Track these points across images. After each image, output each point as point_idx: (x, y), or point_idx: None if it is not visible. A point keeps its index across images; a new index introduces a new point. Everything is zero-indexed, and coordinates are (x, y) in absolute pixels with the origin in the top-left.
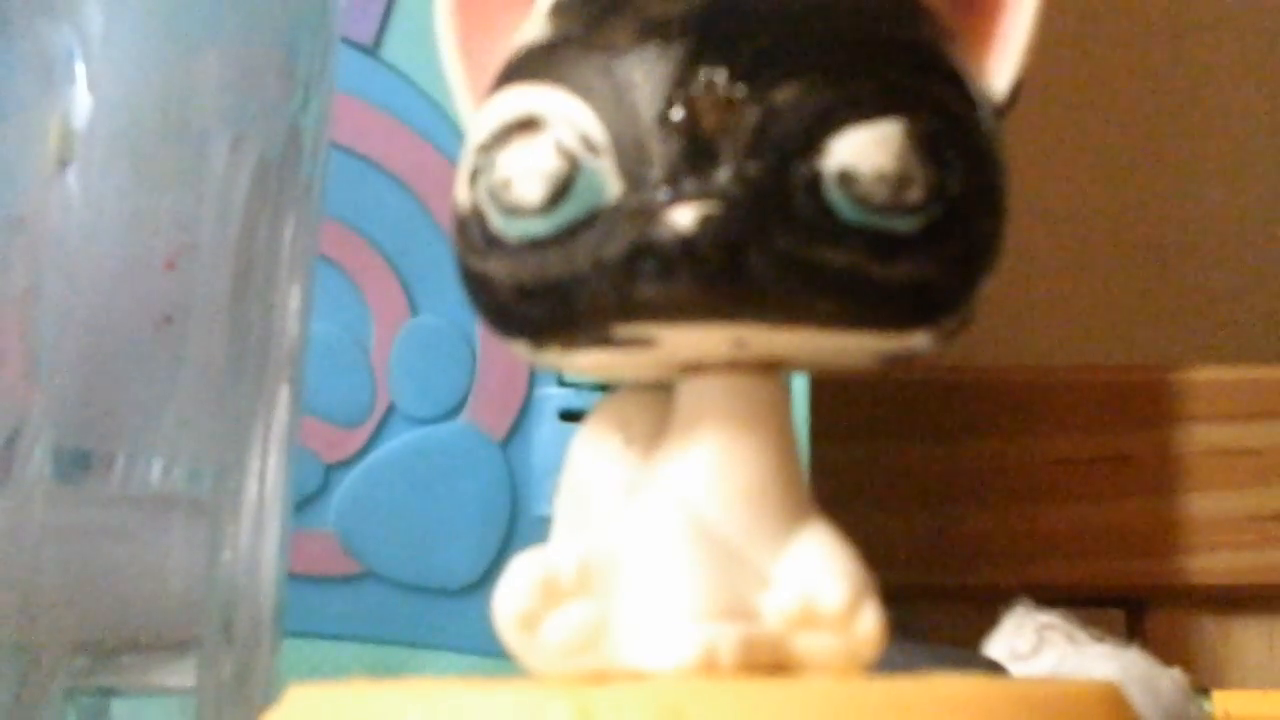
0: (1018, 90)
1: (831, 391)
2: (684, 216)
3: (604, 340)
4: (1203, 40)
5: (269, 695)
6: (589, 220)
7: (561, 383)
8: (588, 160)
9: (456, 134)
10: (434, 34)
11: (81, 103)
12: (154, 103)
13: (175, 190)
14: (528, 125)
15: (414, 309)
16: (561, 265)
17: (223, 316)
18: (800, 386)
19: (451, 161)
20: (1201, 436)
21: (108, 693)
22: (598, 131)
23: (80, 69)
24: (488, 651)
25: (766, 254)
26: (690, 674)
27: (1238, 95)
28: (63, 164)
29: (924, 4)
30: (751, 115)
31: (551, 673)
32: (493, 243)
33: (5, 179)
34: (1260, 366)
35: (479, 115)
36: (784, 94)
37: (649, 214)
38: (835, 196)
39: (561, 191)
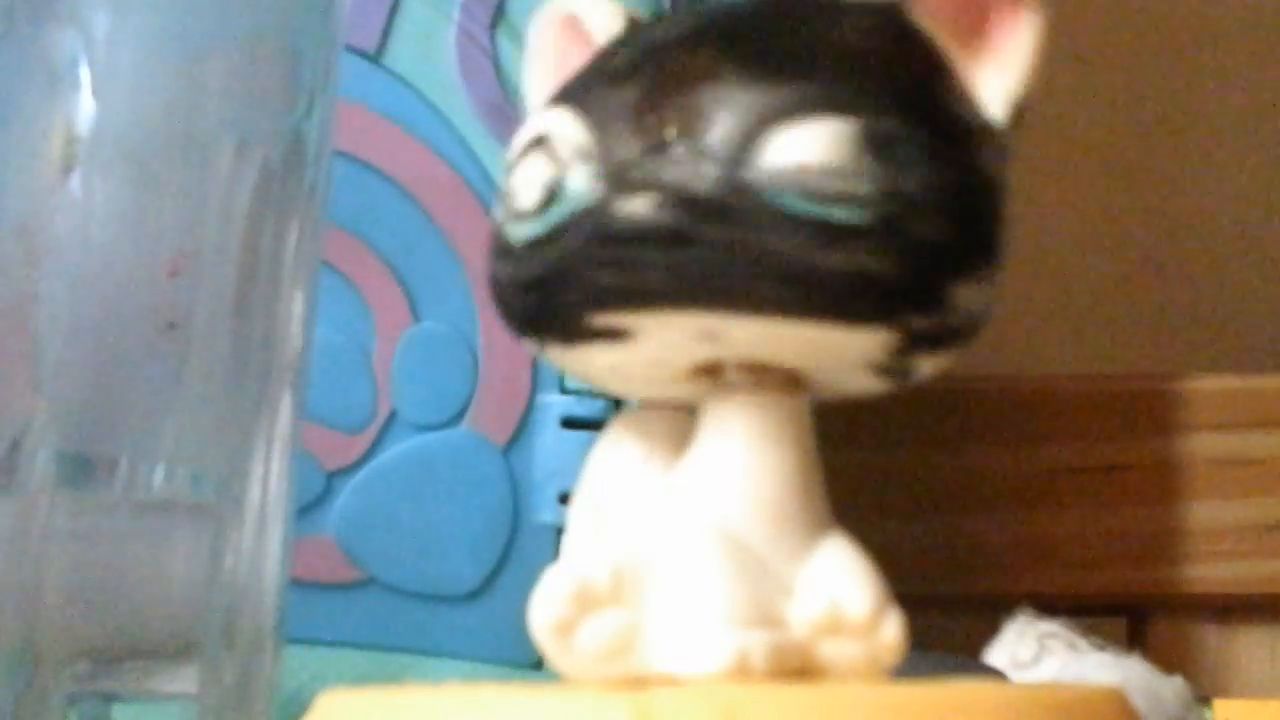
0: (1021, 112)
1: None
2: (639, 207)
3: (584, 332)
4: (1204, 51)
5: (270, 701)
6: (575, 220)
7: (564, 390)
8: (575, 166)
9: (458, 140)
10: (438, 43)
11: (86, 109)
12: (158, 109)
13: (179, 196)
14: (537, 142)
15: (416, 315)
16: (548, 261)
17: (226, 323)
18: None
19: (453, 168)
20: (1203, 446)
21: (109, 698)
22: (587, 142)
23: (85, 75)
24: (489, 658)
25: (715, 241)
26: (722, 678)
27: (1239, 106)
28: (67, 170)
29: (906, 23)
30: (706, 118)
31: (587, 678)
32: (505, 248)
33: (9, 185)
34: (1261, 376)
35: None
36: (727, 99)
37: (612, 208)
38: (779, 187)
39: (552, 194)
